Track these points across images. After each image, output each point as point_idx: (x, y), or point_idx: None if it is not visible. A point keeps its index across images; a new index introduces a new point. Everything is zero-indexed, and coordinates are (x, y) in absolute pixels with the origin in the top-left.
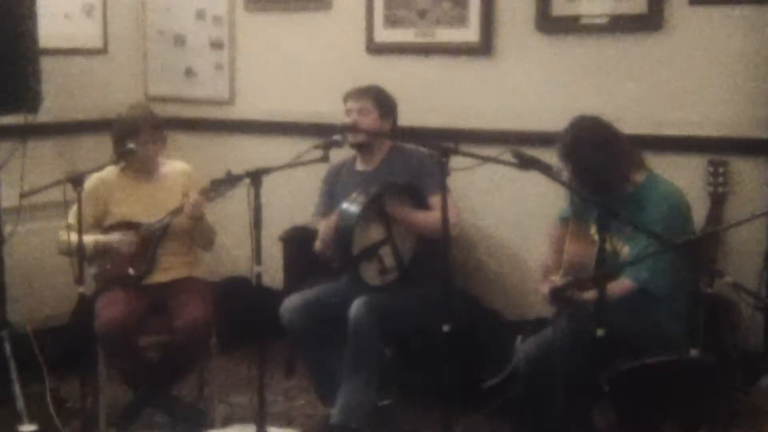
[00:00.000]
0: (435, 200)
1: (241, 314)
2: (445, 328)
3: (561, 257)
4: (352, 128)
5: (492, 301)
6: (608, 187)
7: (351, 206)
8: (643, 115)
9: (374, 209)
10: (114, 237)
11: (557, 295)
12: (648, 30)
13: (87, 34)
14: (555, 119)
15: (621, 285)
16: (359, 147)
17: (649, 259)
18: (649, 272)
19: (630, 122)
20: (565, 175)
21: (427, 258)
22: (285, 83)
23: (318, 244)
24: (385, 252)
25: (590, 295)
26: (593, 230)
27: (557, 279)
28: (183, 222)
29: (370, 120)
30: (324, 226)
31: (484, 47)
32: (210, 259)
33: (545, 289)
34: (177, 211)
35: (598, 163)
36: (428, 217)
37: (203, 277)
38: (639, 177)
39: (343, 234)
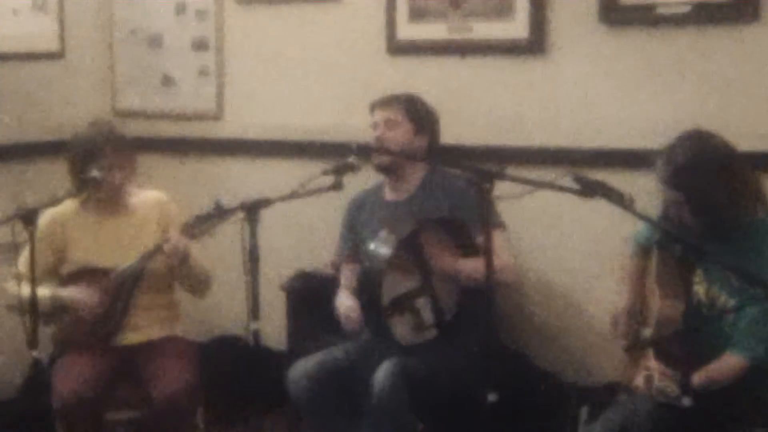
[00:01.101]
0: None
1: (235, 382)
2: (491, 397)
3: (640, 301)
4: (374, 147)
5: (549, 362)
6: (728, 225)
7: (380, 247)
8: (737, 127)
9: (408, 251)
10: (75, 293)
11: (637, 346)
12: (740, 20)
13: (40, 33)
14: (625, 134)
15: (729, 364)
16: (385, 170)
17: (764, 327)
18: (765, 344)
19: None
20: (665, 199)
21: (472, 311)
22: (286, 92)
23: (339, 311)
24: (422, 303)
25: (697, 380)
26: (697, 274)
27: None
28: (160, 266)
29: (399, 135)
30: (347, 282)
31: (535, 44)
32: (196, 313)
33: (639, 381)
34: (152, 253)
35: (721, 193)
36: (475, 266)
37: (187, 337)
38: (757, 214)
39: (370, 281)
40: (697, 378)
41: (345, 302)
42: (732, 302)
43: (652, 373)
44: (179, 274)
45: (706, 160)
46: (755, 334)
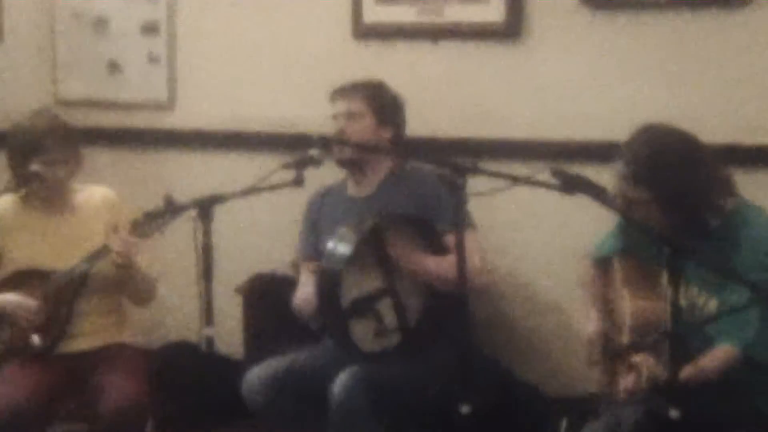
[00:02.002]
0: (453, 239)
1: (188, 392)
2: (465, 409)
3: (607, 315)
4: (336, 140)
5: (527, 372)
6: (701, 219)
7: (339, 245)
8: (726, 118)
9: (370, 249)
10: (12, 299)
11: (615, 354)
12: (728, 5)
13: None
14: (607, 124)
15: (720, 353)
16: (347, 164)
17: (751, 315)
18: (753, 332)
19: (708, 128)
20: (630, 199)
21: (440, 315)
22: (243, 80)
23: (297, 300)
24: (385, 306)
25: (687, 372)
26: (665, 277)
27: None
28: (107, 269)
29: (361, 127)
30: (307, 276)
31: (512, 29)
32: (145, 318)
33: (628, 381)
34: (98, 254)
35: (688, 188)
36: (445, 264)
37: (135, 343)
38: (727, 205)
39: (329, 282)
40: (687, 371)
41: (304, 288)
42: (713, 301)
43: (640, 366)
44: (123, 278)
45: (671, 153)
46: (740, 321)
